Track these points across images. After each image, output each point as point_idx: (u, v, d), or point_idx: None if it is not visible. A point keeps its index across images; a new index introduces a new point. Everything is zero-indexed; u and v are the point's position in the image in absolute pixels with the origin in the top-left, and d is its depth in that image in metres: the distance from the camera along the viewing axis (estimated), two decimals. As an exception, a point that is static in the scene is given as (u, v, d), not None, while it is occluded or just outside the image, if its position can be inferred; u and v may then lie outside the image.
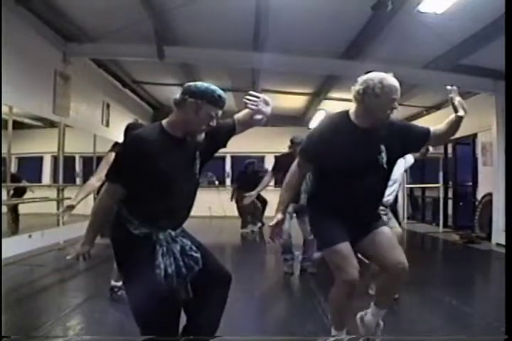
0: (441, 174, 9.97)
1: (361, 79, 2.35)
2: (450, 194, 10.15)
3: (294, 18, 5.72)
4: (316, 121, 11.03)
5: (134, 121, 6.60)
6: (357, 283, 2.38)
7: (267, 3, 5.33)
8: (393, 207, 4.10)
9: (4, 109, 5.61)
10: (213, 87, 2.09)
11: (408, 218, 11.36)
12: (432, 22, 5.17)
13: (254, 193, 5.34)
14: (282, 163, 4.72)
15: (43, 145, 8.26)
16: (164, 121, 2.14)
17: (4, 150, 5.64)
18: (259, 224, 9.40)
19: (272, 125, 11.08)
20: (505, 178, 1.66)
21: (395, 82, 2.31)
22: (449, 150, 10.18)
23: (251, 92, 2.23)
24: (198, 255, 2.08)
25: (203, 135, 2.12)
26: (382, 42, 6.10)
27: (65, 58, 6.92)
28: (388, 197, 3.65)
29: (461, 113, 2.37)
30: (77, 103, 7.48)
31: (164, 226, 2.04)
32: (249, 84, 8.85)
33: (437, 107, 10.25)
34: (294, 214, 4.80)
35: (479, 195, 8.47)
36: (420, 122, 11.22)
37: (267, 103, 2.20)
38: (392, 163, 2.47)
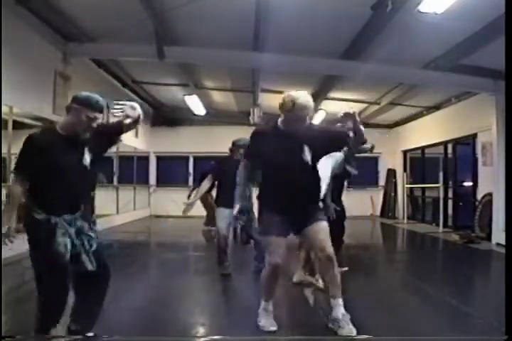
0: (441, 174, 9.96)
1: (285, 94, 3.05)
2: (450, 194, 10.15)
3: (294, 18, 5.72)
4: (316, 121, 11.04)
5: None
6: (280, 266, 3.03)
7: (267, 3, 5.33)
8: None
9: (4, 109, 5.60)
10: (94, 95, 2.55)
11: (408, 218, 11.36)
12: (432, 22, 5.16)
13: (192, 202, 5.35)
14: (224, 165, 4.85)
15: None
16: (58, 123, 2.62)
17: (4, 150, 5.64)
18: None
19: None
20: (505, 178, 1.67)
21: (306, 102, 2.97)
22: (449, 150, 10.18)
23: (115, 102, 2.62)
24: (93, 234, 2.58)
25: (88, 134, 2.57)
26: (382, 42, 6.09)
27: (65, 58, 6.92)
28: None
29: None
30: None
31: (61, 212, 2.49)
32: (249, 84, 8.84)
33: (437, 107, 10.24)
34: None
35: (479, 195, 8.48)
36: (420, 122, 11.22)
37: (133, 108, 2.63)
38: (316, 160, 3.08)
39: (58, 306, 2.53)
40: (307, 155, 3.03)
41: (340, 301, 3.06)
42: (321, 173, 4.12)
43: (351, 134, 3.01)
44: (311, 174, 3.10)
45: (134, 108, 2.64)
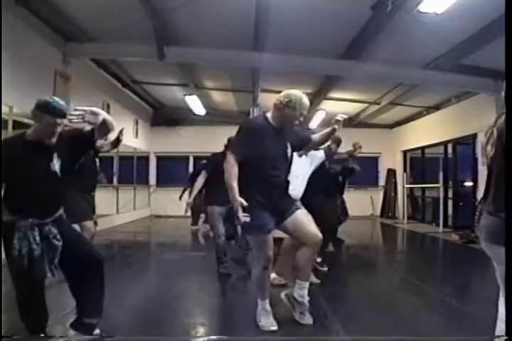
0: (441, 174, 9.96)
1: (287, 92, 3.11)
2: (450, 194, 10.15)
3: (294, 18, 5.72)
4: (316, 121, 11.05)
5: None
6: (271, 259, 3.13)
7: (267, 3, 5.33)
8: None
9: (4, 109, 5.60)
10: (54, 100, 2.49)
11: (408, 218, 11.36)
12: (432, 22, 5.17)
13: (190, 201, 5.33)
14: (216, 162, 4.55)
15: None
16: (28, 130, 2.60)
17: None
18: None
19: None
20: (505, 178, 1.68)
21: (307, 102, 3.14)
22: (449, 150, 10.18)
23: (76, 108, 2.45)
24: (58, 243, 2.58)
25: (54, 139, 2.55)
26: (382, 42, 6.10)
27: (65, 58, 6.92)
28: (299, 190, 4.19)
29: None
30: (77, 103, 7.47)
31: (28, 215, 2.52)
32: (249, 84, 8.85)
33: (437, 107, 10.24)
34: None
35: (479, 195, 8.46)
36: (420, 122, 11.22)
37: (93, 113, 2.46)
38: (291, 156, 3.28)
39: (26, 307, 2.61)
40: (289, 152, 3.21)
41: (307, 285, 3.25)
42: (299, 171, 4.15)
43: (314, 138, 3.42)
44: (287, 169, 3.26)
45: (95, 113, 2.48)
